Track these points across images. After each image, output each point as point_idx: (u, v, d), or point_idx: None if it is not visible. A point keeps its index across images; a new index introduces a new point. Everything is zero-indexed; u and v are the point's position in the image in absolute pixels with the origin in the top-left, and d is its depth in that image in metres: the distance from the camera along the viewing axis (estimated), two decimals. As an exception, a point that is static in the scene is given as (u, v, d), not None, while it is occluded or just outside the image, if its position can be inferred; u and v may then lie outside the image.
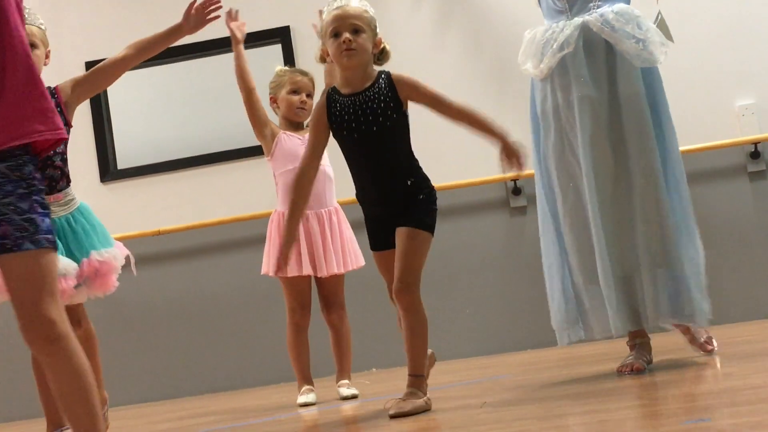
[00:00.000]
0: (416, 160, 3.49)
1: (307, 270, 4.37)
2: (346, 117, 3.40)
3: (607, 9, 3.70)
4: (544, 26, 3.83)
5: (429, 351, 3.47)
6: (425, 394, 3.31)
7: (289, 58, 6.65)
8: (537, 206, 3.95)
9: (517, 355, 5.73)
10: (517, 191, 6.30)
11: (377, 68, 3.48)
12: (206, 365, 6.31)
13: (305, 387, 4.43)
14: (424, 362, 3.38)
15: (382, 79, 3.43)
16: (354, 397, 4.35)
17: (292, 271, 4.34)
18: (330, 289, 4.53)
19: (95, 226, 3.69)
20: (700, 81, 6.16)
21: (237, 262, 6.31)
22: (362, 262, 4.59)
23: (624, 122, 3.66)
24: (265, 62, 6.67)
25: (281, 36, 6.68)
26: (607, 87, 3.67)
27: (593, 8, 3.72)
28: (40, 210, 2.15)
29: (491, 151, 3.46)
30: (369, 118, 3.38)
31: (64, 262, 3.51)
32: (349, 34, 3.36)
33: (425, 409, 3.25)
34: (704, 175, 5.92)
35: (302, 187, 3.48)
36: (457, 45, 6.51)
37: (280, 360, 5.20)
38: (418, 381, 3.32)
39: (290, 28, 6.70)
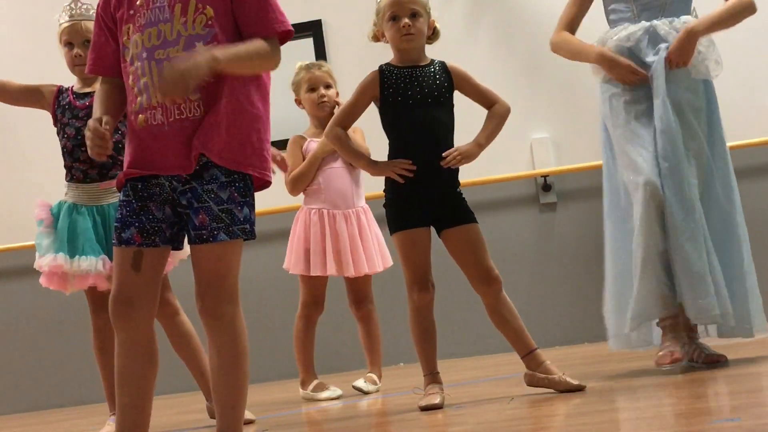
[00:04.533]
0: None
1: (331, 270, 4.36)
2: (402, 85, 3.45)
3: (675, 18, 3.74)
4: (609, 30, 3.84)
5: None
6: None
7: (320, 52, 6.67)
8: (607, 209, 3.93)
9: (545, 351, 5.68)
10: (547, 187, 6.28)
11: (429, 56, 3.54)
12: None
13: (317, 381, 4.41)
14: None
15: (437, 64, 3.52)
16: (367, 393, 4.34)
17: (315, 271, 4.35)
18: (359, 287, 4.53)
19: None
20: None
21: (263, 255, 6.32)
22: (390, 263, 4.58)
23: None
24: (297, 56, 6.69)
25: (313, 29, 6.69)
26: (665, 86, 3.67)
27: (661, 16, 3.76)
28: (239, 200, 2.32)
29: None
30: (425, 90, 3.44)
31: (88, 262, 3.61)
32: (408, 19, 3.41)
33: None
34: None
35: (342, 135, 3.58)
36: (488, 38, 6.49)
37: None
38: (540, 354, 3.43)
39: (322, 21, 6.71)
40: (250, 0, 2.38)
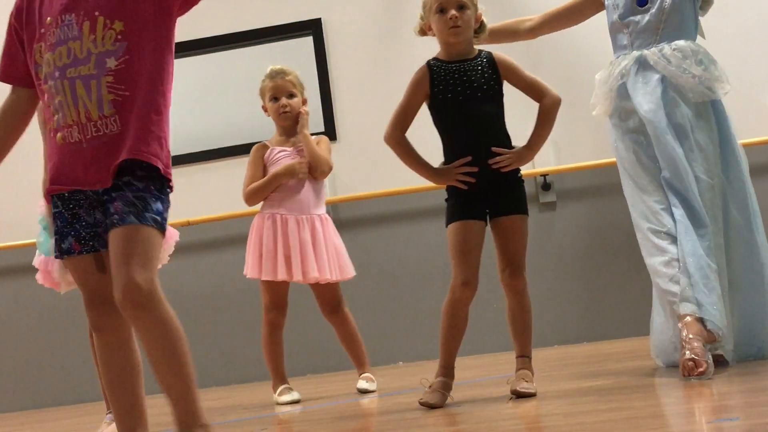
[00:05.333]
0: (511, 143, 3.49)
1: (282, 275, 4.34)
2: (451, 81, 3.43)
3: (665, 45, 3.74)
4: (610, 62, 3.88)
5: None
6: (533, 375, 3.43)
7: (320, 51, 6.67)
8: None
9: (545, 350, 5.72)
10: (546, 186, 6.28)
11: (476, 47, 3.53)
12: (237, 356, 6.35)
13: (283, 386, 4.39)
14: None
15: (484, 56, 3.50)
16: (369, 392, 4.34)
17: (267, 275, 4.35)
18: (323, 295, 4.49)
19: None
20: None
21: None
22: (350, 275, 4.53)
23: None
24: (298, 55, 6.71)
25: (312, 28, 6.69)
26: (664, 113, 3.67)
27: (654, 43, 3.75)
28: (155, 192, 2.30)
29: (520, 146, 3.47)
30: (474, 84, 3.42)
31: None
32: (455, 11, 3.40)
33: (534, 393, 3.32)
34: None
35: (404, 142, 3.49)
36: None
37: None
38: (529, 363, 3.44)
39: (321, 20, 6.71)
40: None
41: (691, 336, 3.33)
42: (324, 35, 6.69)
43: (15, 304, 6.71)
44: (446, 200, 3.49)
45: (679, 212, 3.57)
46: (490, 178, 3.41)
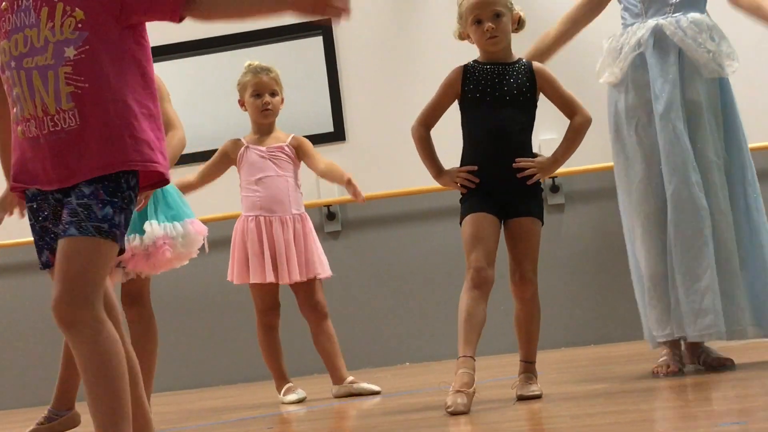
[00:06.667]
0: (533, 154, 3.48)
1: (270, 278, 4.32)
2: (483, 81, 3.43)
3: (681, 16, 3.72)
4: (620, 30, 3.85)
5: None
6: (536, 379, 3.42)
7: (330, 51, 6.67)
8: (621, 208, 3.91)
9: (551, 353, 5.71)
10: (555, 189, 6.28)
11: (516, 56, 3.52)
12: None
13: (288, 385, 4.39)
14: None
15: (523, 64, 3.49)
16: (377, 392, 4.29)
17: (255, 278, 4.34)
18: (304, 295, 4.45)
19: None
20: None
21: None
22: (328, 274, 4.50)
23: (690, 128, 3.67)
24: (308, 55, 6.71)
25: (322, 28, 6.69)
26: (679, 90, 3.66)
27: (669, 12, 3.73)
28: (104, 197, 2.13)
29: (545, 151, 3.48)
30: (504, 88, 3.42)
31: None
32: (491, 22, 3.40)
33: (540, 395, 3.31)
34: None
35: (426, 137, 3.51)
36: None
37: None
38: (532, 367, 3.43)
39: (331, 20, 6.70)
40: None
41: (668, 350, 3.70)
42: (334, 35, 6.69)
43: (20, 301, 6.72)
44: (461, 201, 3.49)
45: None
46: (504, 183, 3.40)
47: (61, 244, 2.11)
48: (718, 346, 3.81)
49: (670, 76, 3.65)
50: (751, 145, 3.85)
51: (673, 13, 3.73)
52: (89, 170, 2.13)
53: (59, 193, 2.18)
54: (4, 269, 6.80)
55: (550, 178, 6.21)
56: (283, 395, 4.37)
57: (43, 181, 2.19)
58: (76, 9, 2.13)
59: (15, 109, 2.19)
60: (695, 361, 3.74)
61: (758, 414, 2.46)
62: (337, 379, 4.37)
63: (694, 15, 3.73)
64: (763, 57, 6.11)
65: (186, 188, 4.38)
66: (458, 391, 3.13)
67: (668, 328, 3.62)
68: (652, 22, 3.73)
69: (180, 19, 2.18)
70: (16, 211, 2.84)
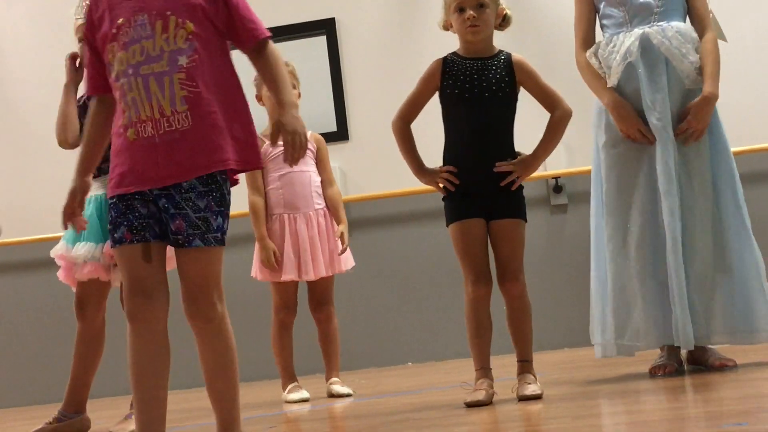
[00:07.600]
0: (514, 149, 3.48)
1: (292, 275, 4.36)
2: (461, 77, 3.43)
3: (666, 24, 3.72)
4: (604, 39, 3.83)
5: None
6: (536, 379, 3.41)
7: (333, 51, 6.67)
8: (592, 210, 3.93)
9: (554, 353, 5.71)
10: (558, 189, 6.27)
11: (497, 47, 3.52)
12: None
13: (293, 384, 4.42)
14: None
15: (503, 56, 3.48)
16: (348, 395, 4.33)
17: (277, 277, 4.37)
18: (319, 289, 4.50)
19: None
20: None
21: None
22: (351, 264, 4.57)
23: (679, 137, 3.69)
24: (311, 54, 6.71)
25: (326, 28, 6.70)
26: (668, 100, 3.68)
27: (653, 21, 3.73)
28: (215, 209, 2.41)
29: (532, 148, 3.47)
30: (483, 84, 3.41)
31: (87, 248, 3.63)
32: (473, 11, 3.40)
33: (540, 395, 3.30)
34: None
35: (405, 132, 3.52)
36: (500, 38, 6.47)
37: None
38: (530, 366, 3.42)
39: (335, 20, 6.71)
40: (237, 13, 2.47)
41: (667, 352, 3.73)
42: (338, 35, 6.70)
43: (25, 299, 6.73)
44: (443, 199, 3.49)
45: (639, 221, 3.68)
46: (486, 179, 3.40)
47: (187, 252, 2.40)
48: (719, 348, 3.81)
49: (660, 86, 3.67)
50: (734, 149, 3.89)
51: (658, 21, 3.73)
52: (196, 168, 2.37)
53: (158, 191, 2.38)
54: (4, 268, 6.80)
55: (552, 178, 6.21)
56: (287, 393, 4.38)
57: (154, 179, 2.37)
58: (187, 21, 2.40)
59: (127, 114, 2.40)
60: (699, 362, 3.73)
61: (760, 415, 2.46)
62: (326, 377, 4.49)
63: (679, 24, 3.74)
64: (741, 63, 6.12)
65: None
66: (479, 389, 3.30)
67: (626, 336, 3.65)
68: (638, 31, 3.73)
69: (248, 51, 2.51)
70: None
